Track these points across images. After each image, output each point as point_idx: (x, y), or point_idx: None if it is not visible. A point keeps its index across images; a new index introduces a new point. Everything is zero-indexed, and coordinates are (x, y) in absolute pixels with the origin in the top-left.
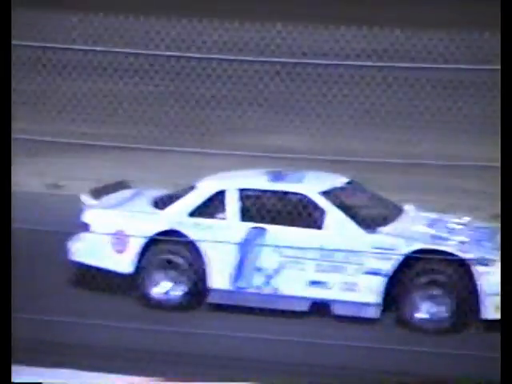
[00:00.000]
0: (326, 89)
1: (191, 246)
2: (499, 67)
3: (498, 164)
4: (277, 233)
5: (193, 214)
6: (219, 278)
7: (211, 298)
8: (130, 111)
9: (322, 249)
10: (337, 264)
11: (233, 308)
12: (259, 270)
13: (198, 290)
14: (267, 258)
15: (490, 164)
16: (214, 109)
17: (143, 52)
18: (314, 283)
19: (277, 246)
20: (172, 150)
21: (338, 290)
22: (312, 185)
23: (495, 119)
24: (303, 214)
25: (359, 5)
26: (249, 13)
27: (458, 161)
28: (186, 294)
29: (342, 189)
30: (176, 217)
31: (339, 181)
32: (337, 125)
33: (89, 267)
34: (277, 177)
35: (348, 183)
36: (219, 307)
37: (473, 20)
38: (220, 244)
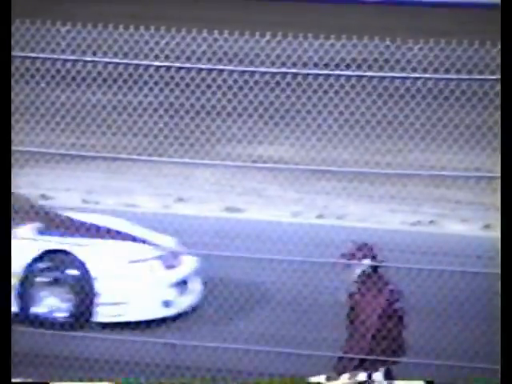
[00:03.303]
0: (316, 99)
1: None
2: (490, 77)
3: (491, 174)
4: None
5: None
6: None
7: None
8: (119, 122)
9: None
10: None
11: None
12: None
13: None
14: None
15: (483, 174)
16: (203, 119)
17: (132, 62)
18: None
19: None
20: (161, 161)
21: None
22: None
23: (486, 129)
24: None
25: (348, 15)
26: (238, 23)
27: (450, 171)
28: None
29: None
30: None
31: None
32: (327, 135)
33: None
34: None
35: None
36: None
37: (463, 30)
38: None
